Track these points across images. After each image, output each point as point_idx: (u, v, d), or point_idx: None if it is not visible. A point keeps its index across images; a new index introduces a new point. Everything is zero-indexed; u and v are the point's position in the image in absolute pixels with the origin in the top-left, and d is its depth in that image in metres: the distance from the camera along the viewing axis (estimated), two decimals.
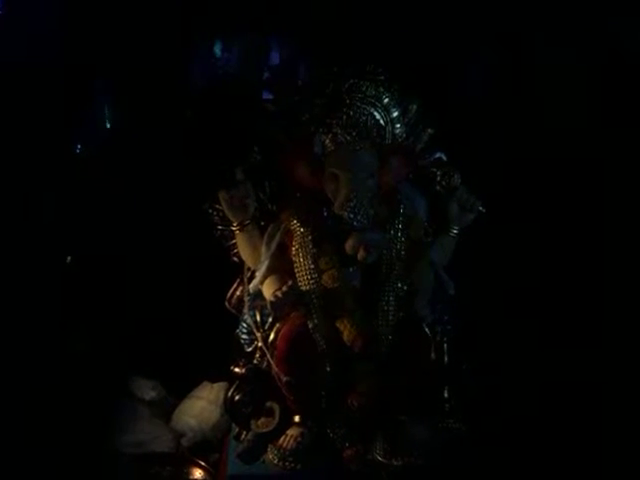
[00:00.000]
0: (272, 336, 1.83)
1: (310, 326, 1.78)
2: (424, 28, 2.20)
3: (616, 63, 2.21)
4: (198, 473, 2.00)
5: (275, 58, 2.22)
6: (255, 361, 1.88)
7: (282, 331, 1.81)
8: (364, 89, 1.83)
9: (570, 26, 2.22)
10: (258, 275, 1.82)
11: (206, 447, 2.05)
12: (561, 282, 2.23)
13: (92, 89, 2.23)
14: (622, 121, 2.21)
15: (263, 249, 1.82)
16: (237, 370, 1.89)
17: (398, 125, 1.86)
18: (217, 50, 2.28)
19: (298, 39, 2.20)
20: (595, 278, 2.24)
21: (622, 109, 2.21)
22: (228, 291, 1.94)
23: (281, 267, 1.83)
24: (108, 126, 2.28)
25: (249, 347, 1.90)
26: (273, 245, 1.82)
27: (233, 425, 1.93)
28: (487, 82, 2.27)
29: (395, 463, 1.80)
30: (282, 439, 1.84)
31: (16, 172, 2.07)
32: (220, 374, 2.03)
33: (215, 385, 2.14)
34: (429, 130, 1.91)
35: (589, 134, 2.22)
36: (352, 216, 1.74)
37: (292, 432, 1.84)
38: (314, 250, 1.79)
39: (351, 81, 1.83)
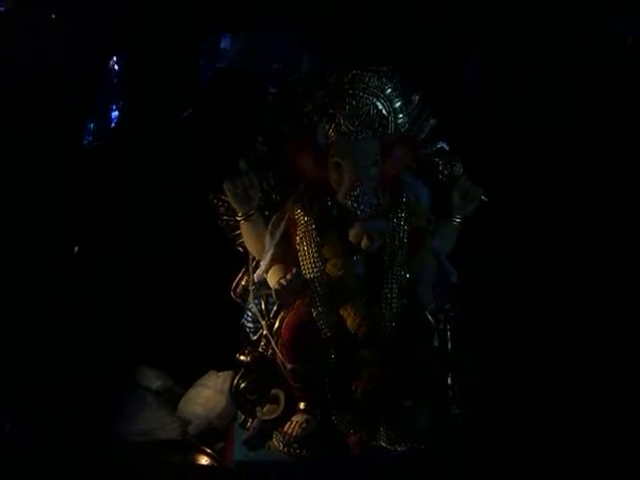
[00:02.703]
0: (277, 324, 1.86)
1: (314, 314, 1.80)
2: (426, 20, 2.21)
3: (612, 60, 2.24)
4: (204, 460, 2.01)
5: (279, 50, 2.24)
6: (260, 349, 1.91)
7: (287, 319, 1.83)
8: (367, 80, 1.85)
9: (566, 24, 2.23)
10: (263, 264, 1.85)
11: (212, 435, 2.06)
12: (564, 270, 2.23)
13: (100, 82, 2.25)
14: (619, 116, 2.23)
15: (267, 238, 1.84)
16: (243, 358, 1.90)
17: (401, 115, 1.88)
18: (223, 43, 2.30)
19: (302, 32, 2.22)
20: (597, 268, 2.25)
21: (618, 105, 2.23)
22: (233, 281, 1.97)
23: (285, 256, 1.85)
24: (115, 119, 2.30)
25: (254, 335, 1.93)
26: (277, 234, 1.84)
27: (239, 413, 1.95)
28: (487, 74, 2.28)
29: (399, 449, 1.83)
30: (287, 426, 1.85)
31: (24, 166, 2.09)
32: (226, 363, 2.04)
33: (221, 374, 2.15)
34: (431, 120, 1.93)
35: (588, 124, 2.23)
36: (356, 205, 1.76)
37: (297, 419, 1.86)
38: (318, 239, 1.81)
39: (354, 72, 1.85)
